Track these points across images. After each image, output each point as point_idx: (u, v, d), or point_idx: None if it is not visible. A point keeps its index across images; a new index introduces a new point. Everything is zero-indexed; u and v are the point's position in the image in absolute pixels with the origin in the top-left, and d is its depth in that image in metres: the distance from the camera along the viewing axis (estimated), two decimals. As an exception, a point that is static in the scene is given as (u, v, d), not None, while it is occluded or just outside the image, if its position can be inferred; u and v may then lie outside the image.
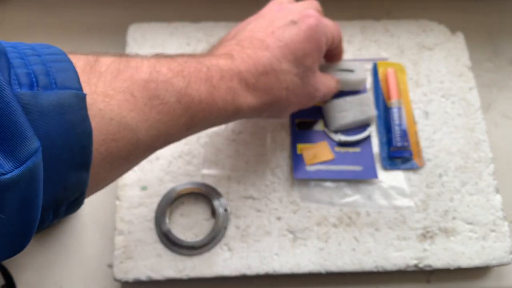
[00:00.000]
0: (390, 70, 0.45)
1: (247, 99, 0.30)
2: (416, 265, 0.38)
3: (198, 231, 0.39)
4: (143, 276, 0.37)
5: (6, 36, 0.50)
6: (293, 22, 0.33)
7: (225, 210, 0.39)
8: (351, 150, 0.42)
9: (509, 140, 0.46)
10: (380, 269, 0.38)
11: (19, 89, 0.18)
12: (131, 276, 0.37)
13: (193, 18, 0.48)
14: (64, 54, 0.21)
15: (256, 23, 0.34)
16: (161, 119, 0.25)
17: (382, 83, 0.45)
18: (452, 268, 0.38)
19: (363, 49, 0.47)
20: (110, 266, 0.40)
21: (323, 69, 0.40)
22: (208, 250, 0.38)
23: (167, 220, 0.39)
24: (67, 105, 0.19)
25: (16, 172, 0.16)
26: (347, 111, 0.41)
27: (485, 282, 0.41)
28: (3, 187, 0.16)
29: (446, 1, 0.53)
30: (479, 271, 0.41)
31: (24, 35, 0.50)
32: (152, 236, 0.39)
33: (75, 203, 0.22)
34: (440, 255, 0.39)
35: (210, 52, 0.33)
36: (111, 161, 0.23)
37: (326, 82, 0.38)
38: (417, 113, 0.44)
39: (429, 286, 0.40)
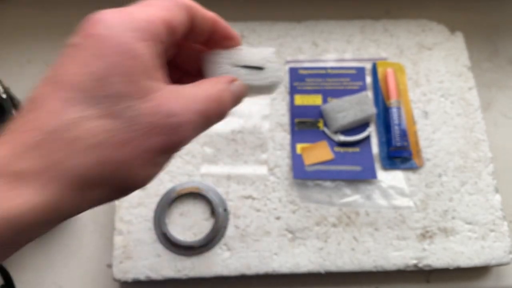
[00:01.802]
0: (390, 70, 0.45)
1: (21, 198, 0.17)
2: (415, 265, 0.38)
3: (197, 231, 0.39)
4: (142, 276, 0.37)
5: (6, 37, 0.50)
6: (71, 45, 0.21)
7: (225, 210, 0.39)
8: (350, 150, 0.42)
9: (508, 140, 0.46)
10: (380, 269, 0.38)
11: None
12: (130, 276, 0.37)
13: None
14: None
15: None
16: None
17: (381, 83, 0.45)
18: (451, 267, 0.38)
19: (362, 49, 0.47)
20: (109, 266, 0.40)
21: (210, 66, 0.24)
22: (208, 250, 0.38)
23: (166, 220, 0.39)
24: None
25: None
26: (347, 110, 0.41)
27: (484, 281, 0.41)
28: None
29: (446, 0, 0.53)
30: (478, 271, 0.41)
31: (24, 35, 0.50)
32: (151, 236, 0.39)
33: None
34: (439, 254, 0.39)
35: None
36: None
37: (196, 95, 0.21)
38: (417, 113, 0.44)
39: (428, 285, 0.40)
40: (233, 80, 0.24)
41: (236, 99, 0.24)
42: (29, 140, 0.18)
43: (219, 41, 0.25)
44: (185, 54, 0.25)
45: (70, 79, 0.19)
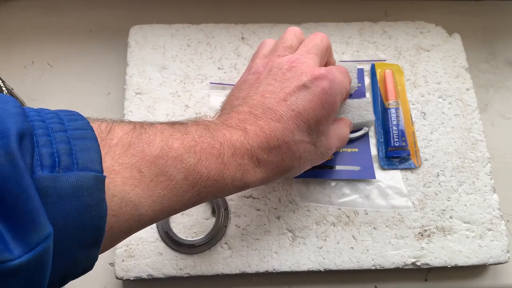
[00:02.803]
0: (388, 71, 0.45)
1: (257, 174, 0.29)
2: (413, 264, 0.39)
3: (199, 230, 0.40)
4: (144, 274, 0.38)
5: (10, 38, 0.51)
6: (305, 87, 0.31)
7: (225, 209, 0.40)
8: (349, 150, 0.42)
9: (505, 140, 0.47)
10: (378, 267, 0.39)
11: (40, 171, 0.18)
12: (132, 274, 0.38)
13: (193, 20, 0.49)
14: (90, 129, 0.21)
15: (267, 85, 0.32)
16: (166, 194, 0.24)
17: (380, 84, 0.45)
18: (449, 266, 0.39)
19: (361, 50, 0.47)
20: (112, 264, 0.40)
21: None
22: (209, 248, 0.39)
23: (168, 219, 0.39)
24: (85, 188, 0.19)
25: (24, 258, 0.17)
26: (346, 113, 0.42)
27: (482, 280, 0.41)
28: (10, 273, 0.16)
29: (443, 2, 0.53)
30: (476, 270, 0.41)
31: (28, 36, 0.51)
32: (153, 234, 0.39)
33: (82, 273, 0.22)
34: (437, 253, 0.39)
35: (223, 117, 0.31)
36: (111, 235, 0.22)
37: (339, 134, 0.37)
38: (415, 114, 0.45)
39: (426, 284, 0.41)
40: (349, 124, 0.40)
41: (348, 136, 0.40)
42: (272, 144, 0.29)
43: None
44: None
45: (305, 115, 0.31)
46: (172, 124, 0.27)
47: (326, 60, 0.37)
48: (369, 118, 0.42)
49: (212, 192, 0.27)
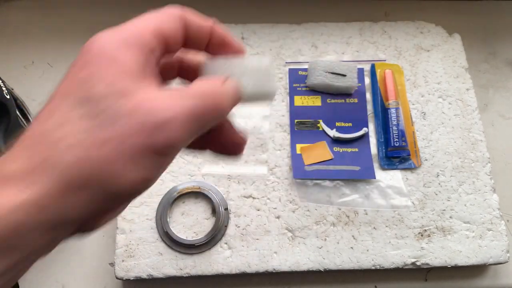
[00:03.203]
0: (388, 71, 0.45)
1: (8, 197, 0.17)
2: (413, 264, 0.39)
3: (199, 230, 0.40)
4: (144, 274, 0.38)
5: (10, 38, 0.51)
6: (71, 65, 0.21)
7: (225, 209, 0.40)
8: (349, 150, 0.42)
9: (505, 140, 0.47)
10: (378, 267, 0.39)
11: None
12: (132, 274, 0.38)
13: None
14: None
15: None
16: None
17: (379, 84, 0.45)
18: (449, 266, 0.39)
19: (361, 50, 0.47)
20: (112, 264, 0.40)
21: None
22: (209, 248, 0.39)
23: (168, 219, 0.39)
24: None
25: None
26: (238, 75, 0.27)
27: (482, 280, 0.41)
28: None
29: (443, 2, 0.53)
30: (476, 270, 0.41)
31: (28, 37, 0.51)
32: (153, 234, 0.39)
33: None
34: (437, 253, 0.39)
35: None
36: None
37: (182, 91, 0.20)
38: (415, 114, 0.45)
39: (426, 284, 0.41)
40: (226, 79, 0.22)
41: (233, 98, 0.23)
42: (21, 144, 0.19)
43: (219, 48, 0.24)
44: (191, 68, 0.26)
45: (61, 89, 0.20)
46: None
47: None
48: (269, 88, 0.28)
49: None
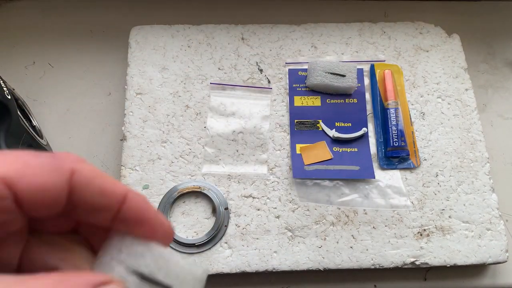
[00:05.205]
0: (387, 72, 0.46)
1: None
2: (413, 263, 0.39)
3: (199, 229, 0.40)
4: (144, 274, 0.38)
5: (11, 38, 0.51)
6: None
7: (225, 208, 0.40)
8: (348, 150, 0.43)
9: (504, 140, 0.47)
10: (377, 267, 0.39)
11: None
12: (133, 273, 0.38)
13: (194, 20, 0.49)
14: None
15: None
16: None
17: (379, 84, 0.46)
18: (448, 266, 0.39)
19: (361, 51, 0.48)
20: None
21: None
22: (209, 248, 0.39)
23: (168, 219, 0.40)
24: None
25: None
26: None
27: (481, 280, 0.41)
28: None
29: (443, 3, 0.53)
30: (475, 269, 0.41)
31: (28, 37, 0.51)
32: (153, 234, 0.39)
33: None
34: (436, 253, 0.39)
35: None
36: None
37: None
38: (414, 114, 0.45)
39: (425, 283, 0.41)
40: (110, 283, 0.14)
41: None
42: None
43: (132, 226, 0.17)
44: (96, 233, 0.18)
45: None
46: None
47: None
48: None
49: None
